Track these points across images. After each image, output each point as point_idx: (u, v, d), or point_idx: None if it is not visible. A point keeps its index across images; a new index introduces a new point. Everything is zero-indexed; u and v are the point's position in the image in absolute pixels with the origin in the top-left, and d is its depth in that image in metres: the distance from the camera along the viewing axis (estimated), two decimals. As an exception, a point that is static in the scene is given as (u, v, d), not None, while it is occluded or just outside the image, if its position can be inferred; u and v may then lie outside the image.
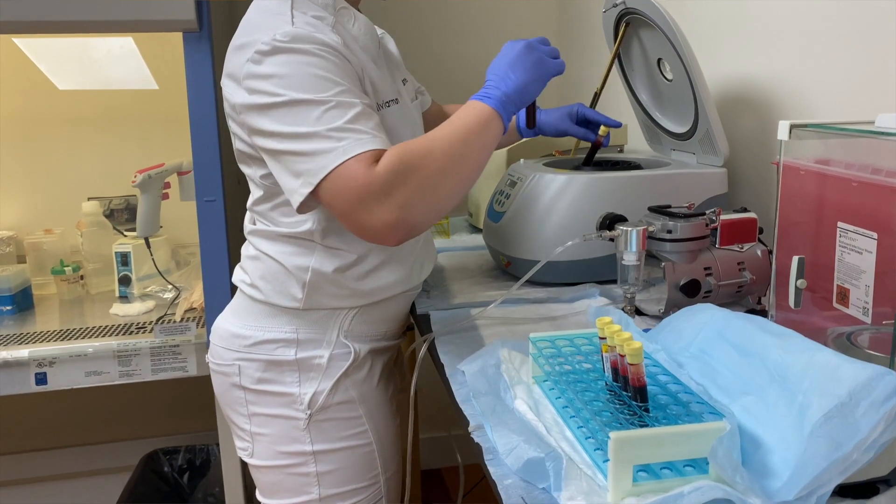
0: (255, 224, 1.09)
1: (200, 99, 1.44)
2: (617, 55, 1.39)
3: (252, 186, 1.07)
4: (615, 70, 1.43)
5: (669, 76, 1.32)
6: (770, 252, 1.12)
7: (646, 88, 1.42)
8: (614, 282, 1.05)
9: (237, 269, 1.14)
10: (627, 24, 1.34)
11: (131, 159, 2.03)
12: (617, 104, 1.78)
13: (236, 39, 0.96)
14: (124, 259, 1.79)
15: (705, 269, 1.06)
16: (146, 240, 1.64)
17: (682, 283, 1.04)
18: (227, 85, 0.97)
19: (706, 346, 0.80)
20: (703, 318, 0.84)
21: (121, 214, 1.98)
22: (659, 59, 1.33)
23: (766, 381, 0.69)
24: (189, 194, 1.68)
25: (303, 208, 0.91)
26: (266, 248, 1.06)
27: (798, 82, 1.21)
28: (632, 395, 0.71)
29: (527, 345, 0.88)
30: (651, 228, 1.03)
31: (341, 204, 0.88)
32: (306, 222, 1.02)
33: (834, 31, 1.11)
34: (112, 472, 2.21)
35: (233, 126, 1.02)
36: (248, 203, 1.09)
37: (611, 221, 1.06)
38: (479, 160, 0.94)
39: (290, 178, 0.91)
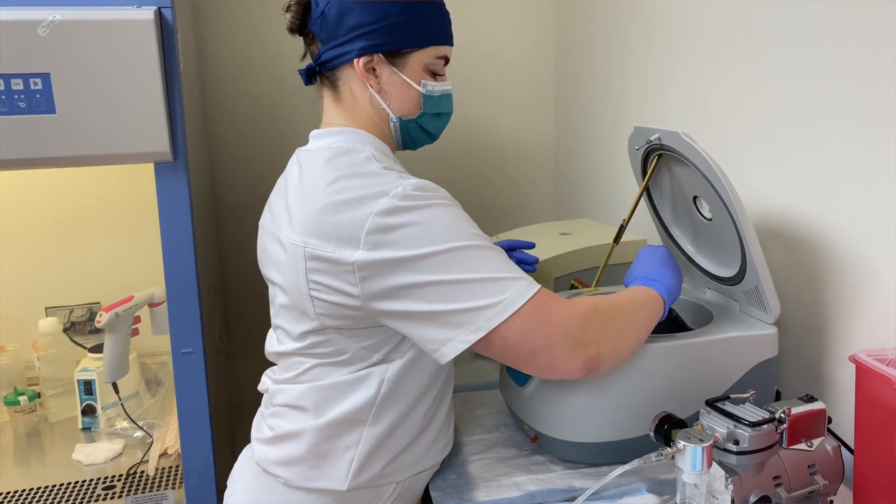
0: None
1: (176, 233, 1.26)
2: (646, 188, 1.25)
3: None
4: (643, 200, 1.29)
5: (708, 216, 1.19)
6: (842, 446, 0.99)
7: (679, 224, 1.28)
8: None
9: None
10: (659, 157, 1.21)
11: (95, 262, 1.85)
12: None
13: (329, 197, 0.91)
14: (88, 387, 1.59)
15: (774, 478, 0.92)
16: (114, 385, 1.44)
17: (751, 501, 0.90)
18: (321, 245, 0.90)
19: None
20: None
21: (83, 327, 1.78)
22: (695, 197, 1.20)
23: None
24: (162, 327, 1.50)
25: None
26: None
27: (841, 218, 1.08)
28: None
29: None
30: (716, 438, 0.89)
31: (543, 336, 0.88)
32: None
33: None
34: None
35: (320, 280, 0.92)
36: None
37: (668, 427, 0.92)
38: (646, 332, 1.00)
39: (445, 327, 0.88)
